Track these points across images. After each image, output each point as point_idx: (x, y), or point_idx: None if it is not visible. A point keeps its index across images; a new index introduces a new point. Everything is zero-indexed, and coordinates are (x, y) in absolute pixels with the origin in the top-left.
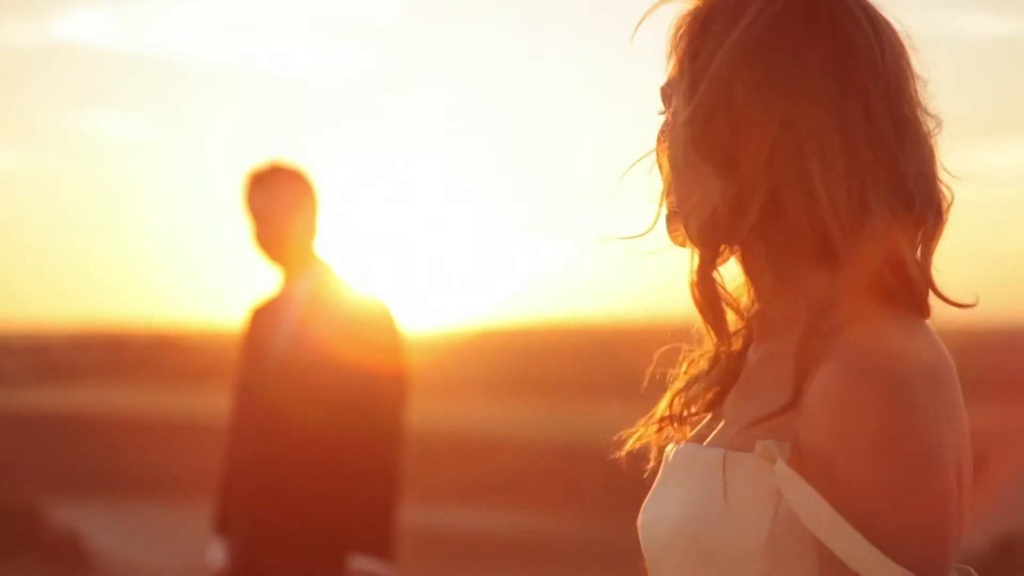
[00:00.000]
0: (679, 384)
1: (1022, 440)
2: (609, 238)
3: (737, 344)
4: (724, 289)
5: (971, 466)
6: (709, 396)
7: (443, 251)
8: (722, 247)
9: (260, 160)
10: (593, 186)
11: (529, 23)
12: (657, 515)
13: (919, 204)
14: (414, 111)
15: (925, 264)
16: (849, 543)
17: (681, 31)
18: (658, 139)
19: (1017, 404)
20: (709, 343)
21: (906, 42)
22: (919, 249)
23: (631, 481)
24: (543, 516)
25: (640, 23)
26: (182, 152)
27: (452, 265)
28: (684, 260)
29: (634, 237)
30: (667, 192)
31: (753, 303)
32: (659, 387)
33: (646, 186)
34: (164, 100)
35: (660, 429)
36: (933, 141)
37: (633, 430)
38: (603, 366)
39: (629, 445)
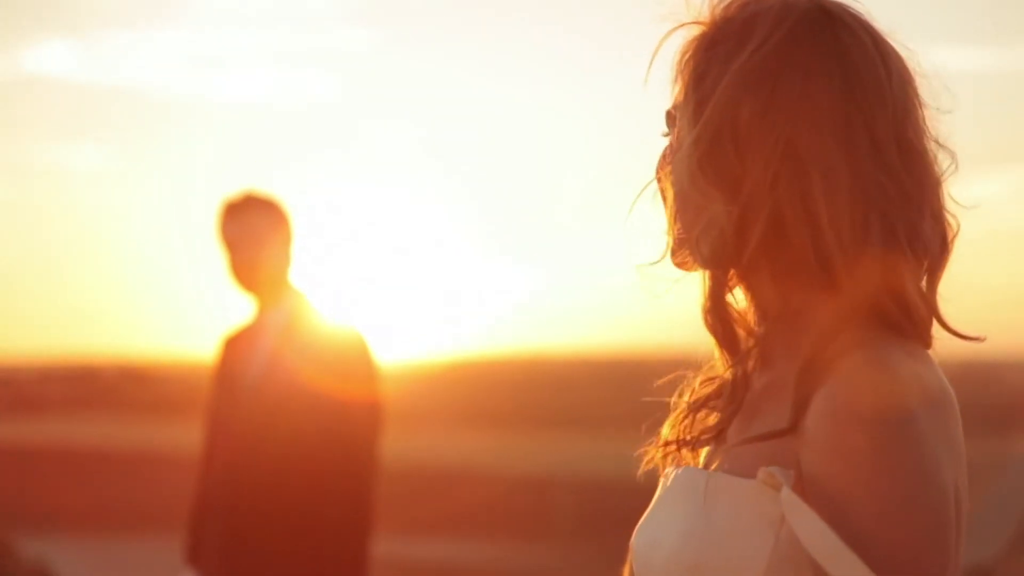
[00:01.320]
0: (683, 408)
1: (993, 471)
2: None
3: (749, 366)
4: (738, 312)
5: (968, 495)
6: (714, 422)
7: (414, 282)
8: (731, 271)
9: (230, 190)
10: (564, 217)
11: (498, 52)
12: (654, 539)
13: (924, 232)
14: (382, 140)
15: (931, 293)
16: (852, 572)
17: (688, 55)
18: (660, 163)
19: (988, 436)
20: (714, 368)
21: (914, 70)
22: (924, 278)
23: (603, 512)
24: (516, 547)
25: (654, 57)
26: (150, 183)
27: (423, 296)
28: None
29: (654, 264)
30: (673, 217)
31: (759, 327)
32: (643, 416)
33: (625, 213)
34: (132, 131)
35: (669, 453)
36: (940, 169)
37: (643, 451)
38: (575, 397)
39: (642, 468)
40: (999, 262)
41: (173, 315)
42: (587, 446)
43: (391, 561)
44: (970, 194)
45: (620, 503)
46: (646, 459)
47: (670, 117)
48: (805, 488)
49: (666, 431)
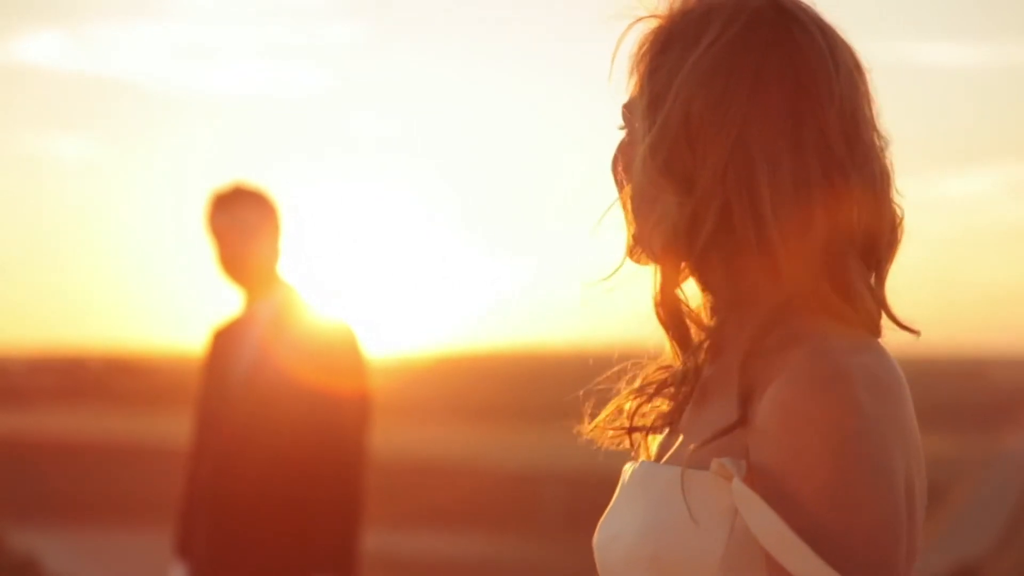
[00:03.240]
0: (632, 393)
1: (980, 468)
2: (594, 277)
3: (700, 359)
4: (687, 306)
5: (924, 483)
6: (667, 410)
7: (403, 275)
8: (682, 264)
9: (219, 182)
10: (552, 210)
11: (488, 45)
12: (614, 534)
13: (870, 224)
14: (372, 133)
15: (879, 284)
16: (802, 560)
17: (643, 49)
18: (615, 156)
19: (975, 433)
20: (665, 358)
21: (863, 65)
22: (873, 270)
23: (590, 505)
24: (503, 540)
25: (615, 53)
26: (138, 174)
27: (412, 290)
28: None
29: (612, 273)
30: (629, 211)
31: (712, 319)
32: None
33: (613, 210)
34: (120, 122)
35: (620, 437)
36: (888, 163)
37: (592, 432)
38: (562, 391)
39: (588, 435)
40: (992, 258)
41: (162, 307)
42: (574, 440)
43: (380, 554)
44: (963, 189)
45: (607, 497)
46: (596, 440)
47: (625, 111)
48: (756, 478)
49: (609, 412)
